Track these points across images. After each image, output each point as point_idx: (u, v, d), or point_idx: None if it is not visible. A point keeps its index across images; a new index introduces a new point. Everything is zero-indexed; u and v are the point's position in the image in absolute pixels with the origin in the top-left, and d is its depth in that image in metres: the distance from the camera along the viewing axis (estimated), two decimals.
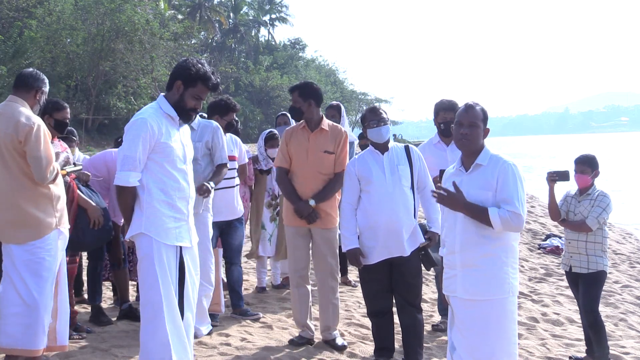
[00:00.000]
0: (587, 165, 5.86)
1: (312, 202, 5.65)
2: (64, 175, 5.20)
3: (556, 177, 5.92)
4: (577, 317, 7.36)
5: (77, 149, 6.88)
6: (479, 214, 3.95)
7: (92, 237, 5.73)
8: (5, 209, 4.69)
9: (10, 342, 4.64)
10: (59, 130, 5.74)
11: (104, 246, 6.27)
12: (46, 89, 4.95)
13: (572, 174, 5.92)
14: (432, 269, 5.63)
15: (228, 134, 6.61)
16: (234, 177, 6.56)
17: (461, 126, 4.09)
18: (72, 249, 5.93)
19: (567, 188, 6.12)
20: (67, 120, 5.80)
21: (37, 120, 4.69)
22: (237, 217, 6.57)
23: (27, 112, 4.70)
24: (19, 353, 4.67)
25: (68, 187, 5.56)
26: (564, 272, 6.17)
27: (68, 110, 5.82)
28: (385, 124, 5.36)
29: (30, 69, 5.00)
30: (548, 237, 12.84)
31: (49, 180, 4.67)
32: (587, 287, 5.80)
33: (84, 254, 6.77)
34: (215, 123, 6.04)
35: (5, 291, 4.69)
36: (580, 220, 5.79)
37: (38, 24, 33.91)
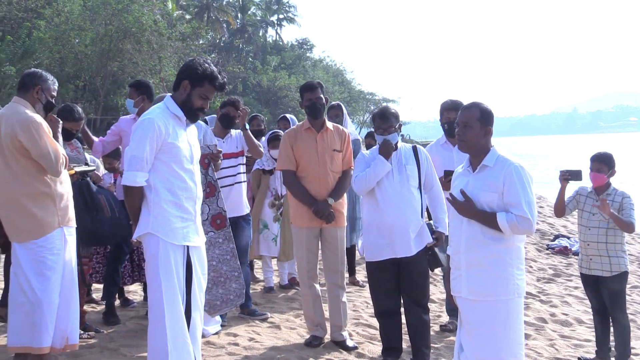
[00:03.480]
0: (603, 163, 5.82)
1: (331, 201, 5.67)
2: (71, 176, 5.21)
3: (569, 176, 5.90)
4: (585, 317, 7.35)
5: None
6: (488, 220, 3.95)
7: (110, 230, 5.75)
8: (7, 207, 4.73)
9: (17, 341, 4.67)
10: (65, 138, 5.71)
11: (124, 247, 6.27)
12: (47, 85, 4.89)
13: (586, 172, 5.90)
14: (440, 269, 5.64)
15: (235, 131, 6.61)
16: (241, 173, 6.55)
17: (458, 126, 4.11)
18: (91, 243, 5.93)
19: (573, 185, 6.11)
20: (75, 132, 5.81)
21: (37, 118, 4.72)
22: (242, 215, 6.55)
23: (26, 111, 4.74)
24: (26, 351, 4.68)
25: (79, 187, 5.59)
26: (580, 274, 6.12)
27: (81, 123, 5.83)
28: (392, 133, 5.37)
29: (30, 69, 5.03)
30: (556, 237, 12.80)
31: (62, 172, 4.74)
32: (613, 289, 5.80)
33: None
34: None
35: (13, 290, 4.73)
36: (628, 221, 5.72)
37: (47, 25, 33.94)
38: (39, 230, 4.71)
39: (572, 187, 6.06)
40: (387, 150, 5.33)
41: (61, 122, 5.18)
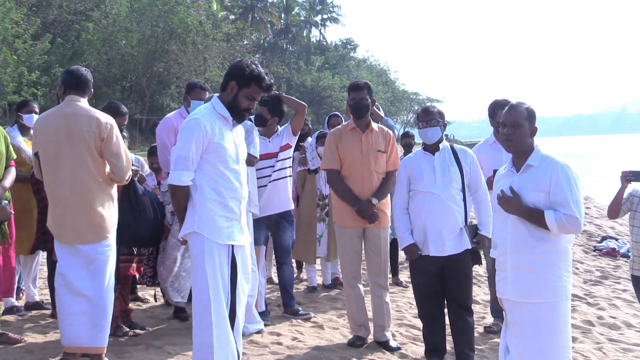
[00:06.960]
0: None
1: (375, 201, 5.66)
2: None
3: (631, 177, 5.77)
4: (635, 321, 7.21)
5: None
6: (535, 217, 3.88)
7: (150, 234, 5.81)
8: (79, 210, 4.71)
9: (76, 341, 4.69)
10: None
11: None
12: None
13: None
14: (485, 270, 5.59)
15: (281, 127, 6.61)
16: (286, 168, 6.52)
17: (504, 126, 4.04)
18: (129, 244, 6.01)
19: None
20: (122, 126, 5.88)
21: (112, 119, 4.80)
22: (285, 210, 6.53)
23: (99, 111, 4.79)
24: (86, 351, 4.71)
25: (125, 187, 5.67)
26: (631, 277, 6.01)
27: (127, 117, 5.91)
28: (433, 126, 5.33)
29: (84, 70, 4.95)
30: (604, 239, 12.56)
31: (129, 177, 4.84)
32: None
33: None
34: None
35: (63, 293, 4.73)
36: None
37: (95, 27, 34.55)
38: (104, 232, 4.77)
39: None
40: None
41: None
